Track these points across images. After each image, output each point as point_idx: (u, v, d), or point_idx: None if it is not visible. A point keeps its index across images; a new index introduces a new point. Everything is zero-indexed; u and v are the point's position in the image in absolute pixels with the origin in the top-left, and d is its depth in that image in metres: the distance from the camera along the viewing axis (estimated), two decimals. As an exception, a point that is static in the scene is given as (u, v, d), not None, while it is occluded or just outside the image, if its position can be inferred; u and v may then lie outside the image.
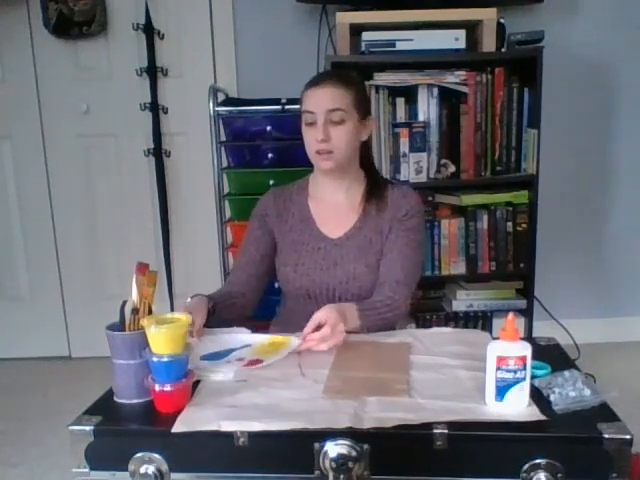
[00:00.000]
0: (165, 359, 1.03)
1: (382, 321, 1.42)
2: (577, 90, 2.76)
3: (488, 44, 2.34)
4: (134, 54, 2.72)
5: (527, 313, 2.48)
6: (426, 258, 2.43)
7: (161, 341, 1.03)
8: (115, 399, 1.12)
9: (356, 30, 2.33)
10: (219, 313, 1.43)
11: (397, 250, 1.51)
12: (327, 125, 1.44)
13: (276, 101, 2.35)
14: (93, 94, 2.77)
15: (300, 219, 1.57)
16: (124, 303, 1.13)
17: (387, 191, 1.57)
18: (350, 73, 1.61)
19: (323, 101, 1.44)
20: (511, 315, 1.03)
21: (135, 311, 1.12)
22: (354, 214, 1.56)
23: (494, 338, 1.08)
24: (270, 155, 2.37)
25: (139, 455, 0.99)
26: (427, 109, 2.39)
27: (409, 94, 2.39)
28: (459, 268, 2.49)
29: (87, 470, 1.02)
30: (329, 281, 1.51)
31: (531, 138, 2.39)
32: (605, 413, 1.00)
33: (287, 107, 2.33)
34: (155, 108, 2.73)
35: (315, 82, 1.48)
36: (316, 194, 1.59)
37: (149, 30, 2.66)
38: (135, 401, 1.10)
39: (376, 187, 1.57)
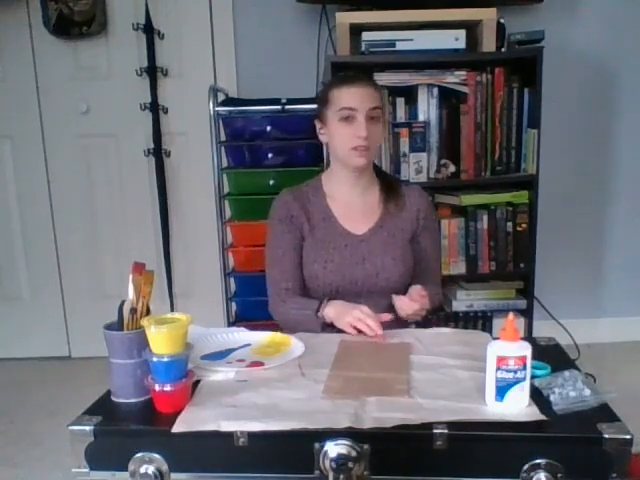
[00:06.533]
0: (165, 359, 1.03)
1: (433, 304, 1.61)
2: (577, 90, 2.77)
3: (488, 44, 2.34)
4: (134, 54, 2.72)
5: (527, 313, 2.48)
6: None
7: (161, 341, 1.03)
8: (113, 398, 1.12)
9: (356, 30, 2.33)
10: None
11: (430, 250, 1.66)
12: (368, 122, 1.49)
13: (276, 101, 2.35)
14: (93, 94, 2.77)
15: (322, 218, 1.61)
16: (122, 303, 1.13)
17: (402, 191, 1.64)
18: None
19: (365, 99, 1.50)
20: (511, 315, 1.03)
21: (133, 311, 1.12)
22: (374, 212, 1.62)
23: (494, 338, 1.09)
24: (270, 155, 2.37)
25: (139, 455, 0.99)
26: (427, 109, 2.39)
27: (409, 94, 2.39)
28: (459, 268, 2.49)
29: (87, 470, 1.02)
30: (358, 275, 1.57)
31: (531, 138, 2.39)
32: (605, 413, 1.00)
33: (287, 107, 2.33)
34: (155, 108, 2.73)
35: (350, 81, 1.52)
36: (334, 193, 1.63)
37: (149, 30, 2.66)
38: (133, 400, 1.10)
39: (391, 186, 1.65)
